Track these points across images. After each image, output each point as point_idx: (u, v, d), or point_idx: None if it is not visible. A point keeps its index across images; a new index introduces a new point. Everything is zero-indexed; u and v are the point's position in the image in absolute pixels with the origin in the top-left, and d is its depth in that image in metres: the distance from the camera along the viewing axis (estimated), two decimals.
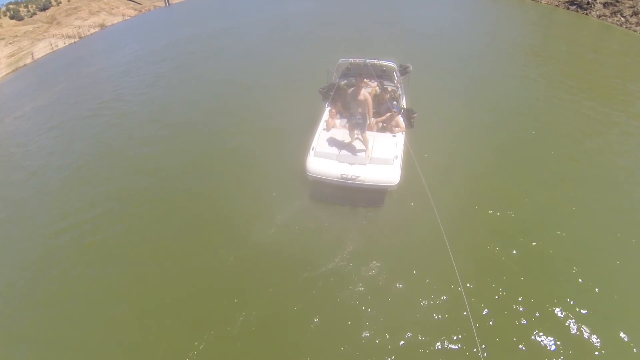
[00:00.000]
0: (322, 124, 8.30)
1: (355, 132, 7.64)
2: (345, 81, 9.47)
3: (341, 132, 8.05)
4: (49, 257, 7.85)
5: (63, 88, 19.74)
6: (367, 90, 9.75)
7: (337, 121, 8.47)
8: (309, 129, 8.56)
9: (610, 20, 21.96)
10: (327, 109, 8.72)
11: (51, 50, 34.27)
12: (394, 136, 7.91)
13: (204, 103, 13.81)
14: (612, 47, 18.03)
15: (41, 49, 34.63)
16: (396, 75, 9.38)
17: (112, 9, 44.26)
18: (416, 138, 8.47)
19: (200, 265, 6.91)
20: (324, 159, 7.37)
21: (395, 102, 8.60)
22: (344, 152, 7.48)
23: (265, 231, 7.24)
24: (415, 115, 8.42)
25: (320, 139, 7.83)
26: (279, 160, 9.08)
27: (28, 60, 32.98)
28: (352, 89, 7.45)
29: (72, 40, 35.88)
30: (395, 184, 6.99)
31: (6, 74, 31.32)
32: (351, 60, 9.12)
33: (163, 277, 6.84)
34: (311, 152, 7.53)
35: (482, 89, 12.64)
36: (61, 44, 35.38)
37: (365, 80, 9.81)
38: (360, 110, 7.30)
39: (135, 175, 9.98)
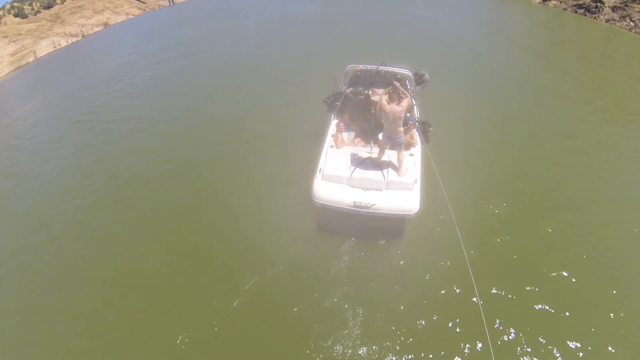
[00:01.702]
0: (328, 140, 7.11)
1: (384, 150, 6.50)
2: (351, 89, 8.43)
3: (351, 150, 6.86)
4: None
5: (56, 90, 18.55)
6: (374, 99, 8.84)
7: (345, 135, 7.39)
8: (313, 143, 7.49)
9: (619, 24, 20.84)
10: (334, 122, 7.63)
11: (54, 49, 33.15)
12: (411, 155, 6.74)
13: (195, 112, 12.46)
14: (622, 52, 16.96)
15: (44, 48, 33.51)
16: (410, 84, 8.28)
17: (117, 7, 43.03)
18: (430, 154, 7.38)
19: (185, 306, 5.84)
20: (333, 183, 6.20)
21: (408, 114, 7.55)
22: (356, 174, 6.28)
23: (264, 275, 5.98)
24: (431, 128, 7.40)
25: (327, 159, 6.62)
26: (279, 181, 7.87)
27: (30, 59, 31.87)
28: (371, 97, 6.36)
29: (75, 39, 34.73)
30: (415, 212, 5.89)
31: (8, 72, 30.25)
32: (361, 66, 7.98)
33: (139, 316, 5.85)
34: (318, 175, 6.34)
35: (492, 99, 11.55)
36: (64, 42, 34.25)
37: (373, 89, 8.80)
38: (394, 132, 6.20)
39: (120, 194, 8.81)
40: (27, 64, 31.12)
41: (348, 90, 8.31)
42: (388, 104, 6.23)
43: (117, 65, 20.50)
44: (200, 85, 15.01)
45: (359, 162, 6.52)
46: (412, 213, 5.89)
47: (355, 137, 7.57)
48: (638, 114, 10.33)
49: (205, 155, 9.64)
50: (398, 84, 6.39)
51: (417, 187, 6.10)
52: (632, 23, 20.61)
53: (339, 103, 7.83)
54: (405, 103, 6.14)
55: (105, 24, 38.63)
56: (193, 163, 9.41)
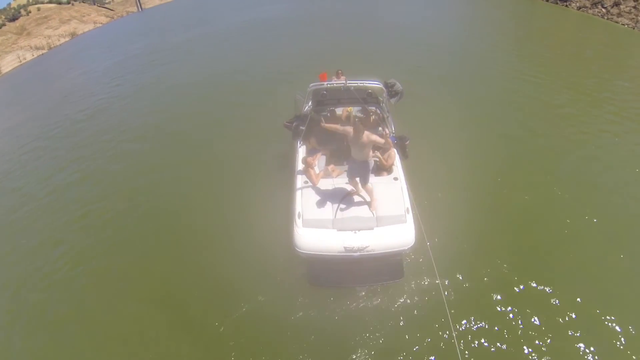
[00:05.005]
0: (300, 176, 5.83)
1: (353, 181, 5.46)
2: (315, 109, 7.11)
3: (329, 184, 5.68)
4: None
5: (6, 119, 16.47)
6: (338, 112, 7.45)
7: (316, 166, 6.00)
8: (282, 178, 6.17)
9: (591, 11, 19.97)
10: (300, 150, 6.30)
11: (19, 64, 30.71)
12: (396, 178, 5.64)
13: (142, 146, 10.22)
14: (598, 41, 16.05)
15: (8, 63, 31.05)
16: (382, 98, 7.02)
17: (84, 16, 40.37)
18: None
19: None
20: (317, 229, 5.09)
21: (386, 131, 6.31)
22: (341, 214, 5.23)
23: None
24: (408, 142, 6.21)
25: (304, 200, 5.43)
26: (250, 230, 6.32)
27: None
28: (351, 133, 5.07)
29: (41, 52, 32.29)
30: (411, 245, 4.96)
31: None
32: (326, 84, 6.48)
33: None
34: (298, 222, 5.17)
35: (469, 100, 10.17)
36: (29, 56, 31.79)
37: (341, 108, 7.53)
38: (362, 156, 5.21)
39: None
40: None
41: (312, 111, 6.99)
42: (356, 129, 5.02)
43: (68, 87, 18.05)
44: (149, 113, 12.52)
45: (340, 198, 5.40)
46: (407, 248, 4.96)
47: (327, 163, 6.31)
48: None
49: (155, 203, 7.79)
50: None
51: (410, 218, 5.09)
52: (603, 10, 19.74)
53: (303, 127, 6.50)
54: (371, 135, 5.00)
55: (73, 34, 36.13)
56: (143, 210, 7.63)
